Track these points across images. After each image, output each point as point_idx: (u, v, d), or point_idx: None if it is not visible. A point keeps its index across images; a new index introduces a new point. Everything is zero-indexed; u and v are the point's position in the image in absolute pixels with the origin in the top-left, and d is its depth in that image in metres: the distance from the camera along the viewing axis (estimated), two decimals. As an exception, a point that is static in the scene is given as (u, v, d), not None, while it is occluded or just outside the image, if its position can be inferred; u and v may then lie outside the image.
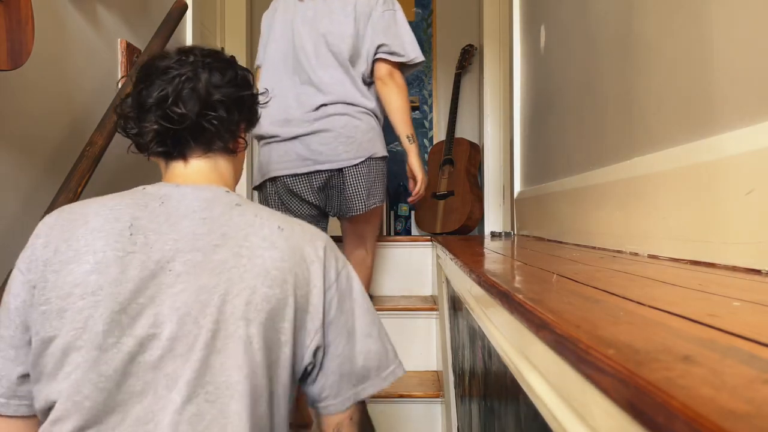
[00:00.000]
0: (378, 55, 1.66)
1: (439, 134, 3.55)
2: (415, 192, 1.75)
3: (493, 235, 2.41)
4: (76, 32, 1.61)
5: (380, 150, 1.68)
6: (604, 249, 1.14)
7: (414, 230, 3.39)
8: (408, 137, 1.68)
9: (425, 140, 3.59)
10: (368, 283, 1.94)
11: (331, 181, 1.65)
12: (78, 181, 1.44)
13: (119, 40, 1.80)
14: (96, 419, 0.65)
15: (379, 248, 2.29)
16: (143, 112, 0.78)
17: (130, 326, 0.67)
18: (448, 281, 1.56)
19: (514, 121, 2.36)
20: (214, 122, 0.79)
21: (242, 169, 0.93)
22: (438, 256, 1.91)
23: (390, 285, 2.28)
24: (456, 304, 1.42)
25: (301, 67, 1.66)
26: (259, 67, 1.79)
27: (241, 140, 0.87)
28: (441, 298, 1.86)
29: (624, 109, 1.13)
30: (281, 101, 1.65)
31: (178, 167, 0.81)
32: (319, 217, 1.74)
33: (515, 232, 2.34)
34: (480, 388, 1.03)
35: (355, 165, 1.62)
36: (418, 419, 1.80)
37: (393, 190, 3.43)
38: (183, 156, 0.81)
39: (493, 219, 2.76)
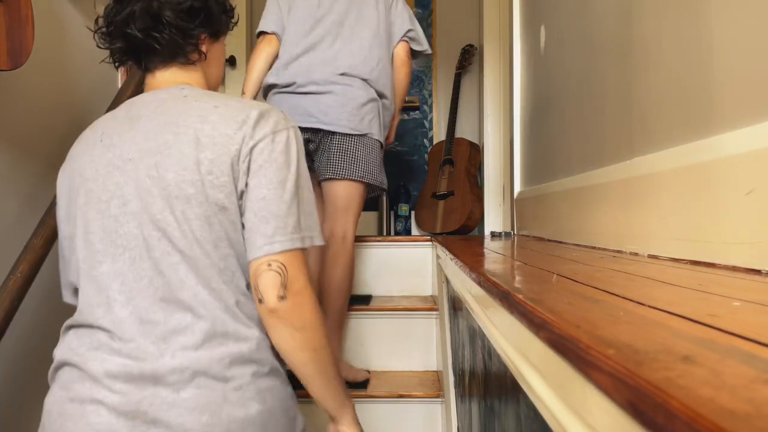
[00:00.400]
0: (404, 38, 1.85)
1: (439, 134, 3.55)
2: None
3: (493, 235, 2.41)
4: (76, 32, 1.61)
5: (376, 133, 1.75)
6: (604, 249, 1.14)
7: (414, 230, 3.39)
8: (400, 110, 2.01)
9: (425, 140, 3.58)
10: (351, 277, 1.80)
11: (326, 142, 1.72)
12: (78, 181, 1.44)
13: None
14: (106, 287, 0.83)
15: (380, 248, 2.29)
16: (113, 29, 0.90)
17: (107, 210, 0.84)
18: (448, 281, 1.56)
19: (514, 121, 2.35)
20: (163, 40, 0.89)
21: (219, 73, 1.03)
22: (438, 256, 1.91)
23: (390, 285, 2.28)
24: (456, 304, 1.42)
25: (326, 44, 1.75)
26: (274, 34, 1.81)
27: (202, 51, 0.94)
28: (441, 298, 1.86)
29: (624, 108, 1.13)
30: (305, 65, 1.73)
31: (149, 78, 0.94)
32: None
33: (515, 232, 2.33)
34: (480, 388, 1.03)
35: (351, 135, 1.71)
36: (418, 419, 1.80)
37: (393, 190, 3.43)
38: (148, 69, 0.94)
39: (493, 219, 2.75)
